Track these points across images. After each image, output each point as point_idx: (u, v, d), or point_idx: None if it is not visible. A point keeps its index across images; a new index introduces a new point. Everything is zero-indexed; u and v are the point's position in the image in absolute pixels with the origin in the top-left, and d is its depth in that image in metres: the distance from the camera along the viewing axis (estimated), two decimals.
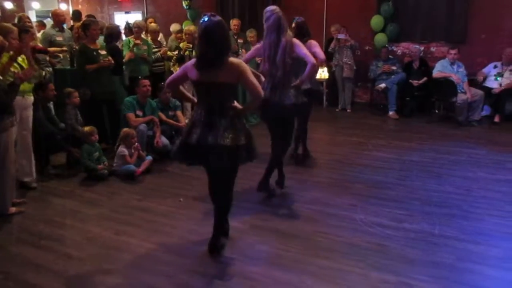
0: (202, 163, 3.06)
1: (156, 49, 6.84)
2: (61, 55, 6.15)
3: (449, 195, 4.20)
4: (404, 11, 8.27)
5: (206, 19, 2.83)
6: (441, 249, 3.20)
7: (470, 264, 3.01)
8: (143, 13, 10.87)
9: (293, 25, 4.68)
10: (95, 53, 5.48)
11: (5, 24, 4.21)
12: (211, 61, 2.85)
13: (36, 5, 12.12)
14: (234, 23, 7.47)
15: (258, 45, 4.07)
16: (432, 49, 8.24)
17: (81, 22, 6.48)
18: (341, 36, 7.95)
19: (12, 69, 3.92)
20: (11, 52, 3.88)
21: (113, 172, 4.87)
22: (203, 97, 3.00)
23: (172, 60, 6.79)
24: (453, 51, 7.14)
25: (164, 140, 5.34)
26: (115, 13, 11.41)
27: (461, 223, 3.62)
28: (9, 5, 11.99)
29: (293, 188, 4.41)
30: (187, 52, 6.43)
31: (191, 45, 6.42)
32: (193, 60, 2.98)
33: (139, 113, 5.31)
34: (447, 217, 3.72)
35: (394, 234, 3.42)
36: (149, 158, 5.05)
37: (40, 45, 5.66)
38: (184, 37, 6.80)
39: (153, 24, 7.32)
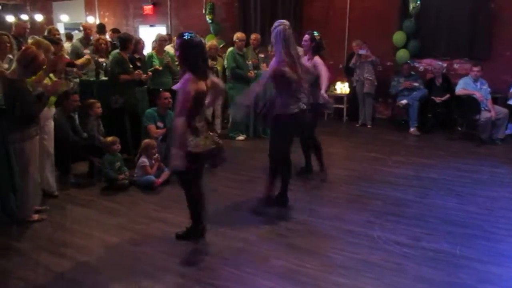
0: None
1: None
2: (89, 66, 6.29)
3: (470, 215, 4.11)
4: (426, 27, 8.22)
5: (192, 35, 3.20)
6: (461, 270, 3.13)
7: (490, 287, 2.93)
8: (167, 27, 11.11)
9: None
10: (128, 64, 5.70)
11: (45, 41, 4.37)
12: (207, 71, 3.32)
13: (64, 18, 12.53)
14: (252, 37, 7.55)
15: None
16: (455, 65, 8.14)
17: (103, 35, 6.67)
18: (362, 51, 7.94)
19: (44, 81, 4.08)
20: (45, 67, 4.03)
21: (133, 182, 4.94)
22: (203, 105, 3.30)
23: None
24: (476, 68, 7.04)
25: None
26: (140, 26, 11.68)
27: (482, 243, 3.53)
28: (39, 18, 12.44)
29: (310, 203, 4.38)
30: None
31: (214, 62, 6.56)
32: (189, 77, 3.11)
33: (160, 124, 5.39)
34: (468, 237, 3.63)
35: (412, 253, 3.36)
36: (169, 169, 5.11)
37: (67, 57, 5.85)
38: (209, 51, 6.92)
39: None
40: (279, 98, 3.96)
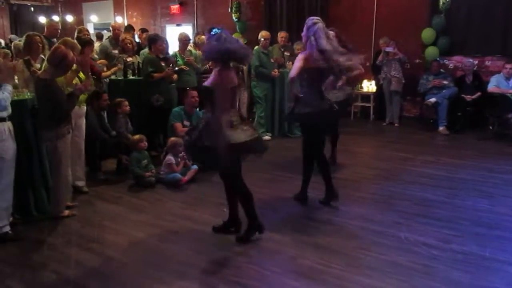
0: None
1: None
2: (104, 68, 6.38)
3: (501, 217, 4.00)
4: (457, 23, 8.03)
5: (221, 30, 3.22)
6: (491, 273, 3.05)
7: None
8: (193, 26, 11.21)
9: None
10: (162, 63, 5.86)
11: (71, 40, 4.50)
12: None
13: (94, 18, 12.83)
14: (281, 35, 7.53)
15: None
16: (487, 63, 7.91)
17: (130, 34, 6.79)
18: (389, 49, 7.83)
19: (73, 81, 4.19)
20: (75, 66, 4.14)
21: (159, 179, 5.01)
22: (234, 98, 3.35)
23: None
24: (508, 66, 6.84)
25: None
26: (167, 25, 11.83)
27: None
28: (69, 18, 12.78)
29: (337, 202, 4.35)
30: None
31: None
32: (222, 70, 3.20)
33: (186, 123, 5.45)
34: (499, 240, 3.53)
35: (441, 255, 3.29)
36: (195, 167, 5.16)
37: (96, 56, 5.99)
38: None
39: (202, 37, 7.50)
40: (308, 94, 3.99)
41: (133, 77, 6.26)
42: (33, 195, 4.07)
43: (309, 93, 3.99)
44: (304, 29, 3.99)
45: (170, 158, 5.03)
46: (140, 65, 6.22)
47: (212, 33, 3.21)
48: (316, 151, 4.20)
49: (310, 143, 4.18)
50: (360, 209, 4.22)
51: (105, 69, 6.19)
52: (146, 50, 6.03)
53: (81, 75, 4.43)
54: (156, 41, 5.92)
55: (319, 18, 4.03)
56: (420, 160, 5.84)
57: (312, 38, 3.89)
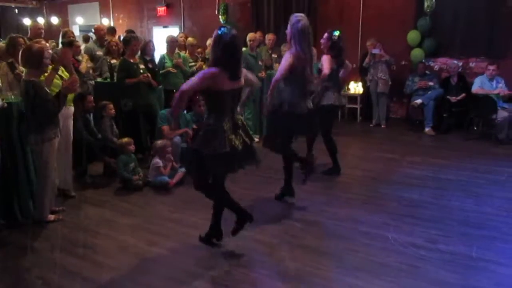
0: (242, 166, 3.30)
1: (192, 63, 7.00)
2: (90, 71, 6.27)
3: (488, 216, 4.04)
4: (442, 26, 8.11)
5: (229, 31, 3.06)
6: (479, 273, 3.08)
7: None
8: (180, 28, 11.17)
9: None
10: (135, 66, 5.69)
11: (40, 41, 4.42)
12: (240, 69, 3.18)
13: (79, 20, 12.69)
14: (269, 37, 7.54)
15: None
16: (471, 64, 8.02)
17: (115, 36, 6.72)
18: (375, 51, 7.88)
19: (55, 80, 4.11)
20: (51, 67, 4.07)
21: (147, 183, 4.98)
22: (227, 104, 3.16)
23: None
24: (491, 67, 6.94)
25: None
26: (154, 27, 11.76)
27: (500, 246, 3.47)
28: (55, 20, 12.63)
29: (325, 204, 4.36)
30: None
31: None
32: (213, 70, 3.06)
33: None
34: (486, 240, 3.58)
35: (429, 255, 3.32)
36: (182, 170, 5.13)
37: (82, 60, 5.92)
38: None
39: (190, 39, 7.49)
40: (289, 94, 4.00)
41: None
42: (18, 200, 4.00)
43: (292, 93, 4.00)
44: (288, 26, 4.00)
45: (157, 161, 4.99)
46: None
47: (220, 32, 3.08)
48: (284, 147, 4.21)
49: (280, 141, 4.18)
50: (348, 210, 4.23)
51: (91, 71, 6.13)
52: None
53: (65, 74, 4.34)
54: (130, 42, 5.77)
55: (303, 15, 4.03)
56: (407, 161, 5.89)
57: (292, 41, 3.93)
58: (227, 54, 3.05)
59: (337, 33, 4.86)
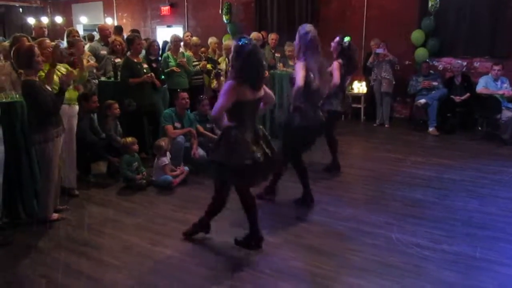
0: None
1: (196, 63, 7.01)
2: (94, 70, 6.28)
3: (492, 217, 4.03)
4: (446, 25, 8.09)
5: (248, 41, 3.04)
6: (482, 273, 3.07)
7: None
8: (184, 27, 11.17)
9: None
10: (139, 66, 5.71)
11: (40, 39, 4.45)
12: (262, 79, 3.15)
13: (83, 20, 12.73)
14: (272, 37, 7.54)
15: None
16: (476, 64, 7.99)
17: (120, 36, 6.73)
18: (379, 50, 7.87)
19: (55, 78, 4.13)
20: (47, 65, 4.09)
21: (151, 182, 4.98)
22: (249, 115, 3.13)
23: (212, 74, 6.95)
24: (496, 67, 6.91)
25: (201, 151, 5.42)
26: (157, 27, 11.78)
27: (504, 246, 3.46)
28: (59, 20, 12.67)
29: (328, 204, 4.36)
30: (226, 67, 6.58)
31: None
32: (231, 83, 3.02)
33: (178, 125, 5.42)
34: (490, 240, 3.56)
35: (432, 255, 3.31)
36: (186, 169, 5.14)
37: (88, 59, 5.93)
38: (223, 52, 6.96)
39: (194, 38, 7.50)
40: (303, 105, 3.97)
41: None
42: (22, 198, 4.02)
43: (306, 105, 3.97)
44: (297, 37, 3.99)
45: (163, 159, 4.99)
46: None
47: (240, 42, 3.05)
48: (295, 157, 4.19)
49: (291, 149, 4.15)
50: (351, 210, 4.23)
51: (95, 70, 6.14)
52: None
53: (76, 71, 4.38)
54: (133, 41, 5.80)
55: (311, 26, 4.02)
56: (411, 161, 5.88)
57: (301, 53, 3.93)
58: (248, 65, 3.01)
59: (347, 39, 4.87)
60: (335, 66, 4.77)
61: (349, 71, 5.06)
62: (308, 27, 3.98)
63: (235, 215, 3.78)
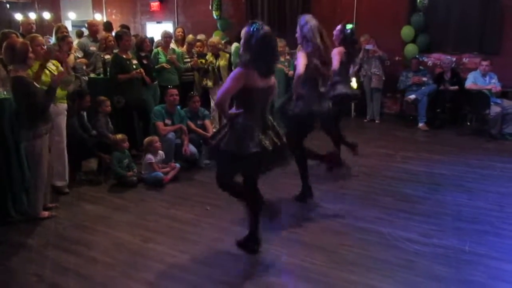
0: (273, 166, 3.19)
1: (188, 59, 6.97)
2: (84, 67, 6.22)
3: (480, 211, 4.08)
4: (435, 21, 8.14)
5: (261, 27, 2.93)
6: (472, 267, 3.11)
7: (502, 284, 2.92)
8: (174, 23, 11.10)
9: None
10: (127, 62, 5.65)
11: (33, 35, 4.39)
12: (274, 66, 3.07)
13: (72, 15, 12.57)
14: None
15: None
16: (465, 60, 8.06)
17: (110, 32, 6.67)
18: (369, 47, 7.89)
19: (43, 77, 4.08)
20: (37, 63, 4.04)
21: (142, 179, 4.96)
22: (259, 103, 3.04)
23: (201, 72, 6.91)
24: (485, 63, 6.98)
25: (192, 148, 5.40)
26: (147, 23, 11.69)
27: (493, 240, 3.50)
28: (47, 16, 12.50)
29: (320, 199, 4.37)
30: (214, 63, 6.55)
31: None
32: (240, 71, 2.93)
33: (168, 121, 5.40)
34: (479, 234, 3.61)
35: (423, 249, 3.35)
36: (177, 165, 5.12)
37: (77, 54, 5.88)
38: (208, 48, 6.94)
39: (190, 36, 7.46)
40: (308, 93, 3.97)
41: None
42: (12, 196, 3.97)
43: (309, 92, 3.97)
44: (298, 29, 4.00)
45: (150, 157, 4.97)
46: None
47: (252, 27, 2.93)
48: (298, 145, 4.18)
49: (295, 138, 4.14)
50: (343, 205, 4.25)
51: (84, 67, 6.08)
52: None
53: (56, 71, 4.31)
54: (122, 37, 5.77)
55: (310, 16, 4.03)
56: (401, 156, 5.92)
57: (304, 42, 3.93)
58: (264, 49, 2.92)
59: (350, 26, 4.85)
60: (334, 52, 4.72)
61: (353, 59, 5.04)
62: (307, 17, 3.99)
63: (226, 212, 3.77)
